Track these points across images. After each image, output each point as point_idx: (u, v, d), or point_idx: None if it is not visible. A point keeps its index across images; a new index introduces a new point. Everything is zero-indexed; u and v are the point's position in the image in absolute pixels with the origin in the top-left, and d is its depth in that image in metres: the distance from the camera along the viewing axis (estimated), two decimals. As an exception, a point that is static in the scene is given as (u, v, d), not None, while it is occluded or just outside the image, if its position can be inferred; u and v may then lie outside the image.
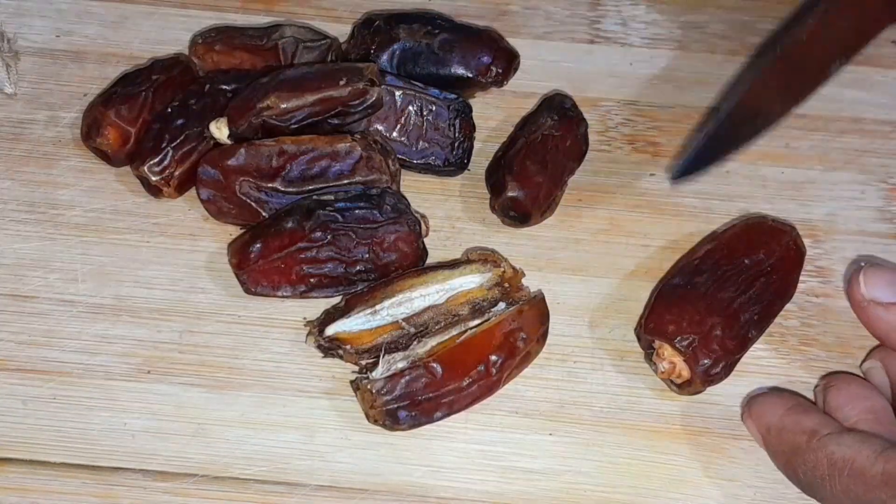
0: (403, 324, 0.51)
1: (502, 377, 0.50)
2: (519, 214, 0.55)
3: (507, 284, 0.52)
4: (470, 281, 0.52)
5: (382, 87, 0.55)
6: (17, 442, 0.49)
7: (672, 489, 0.50)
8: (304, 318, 0.52)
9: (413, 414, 0.49)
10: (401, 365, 0.49)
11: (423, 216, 0.54)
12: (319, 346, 0.51)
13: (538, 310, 0.52)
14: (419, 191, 0.57)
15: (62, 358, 0.52)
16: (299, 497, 0.49)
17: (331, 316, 0.51)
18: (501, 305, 0.52)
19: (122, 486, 0.49)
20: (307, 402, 0.51)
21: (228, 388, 0.51)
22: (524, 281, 0.53)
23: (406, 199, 0.54)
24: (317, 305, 0.53)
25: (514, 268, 0.52)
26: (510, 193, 0.55)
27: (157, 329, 0.53)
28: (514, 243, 0.56)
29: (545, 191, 0.55)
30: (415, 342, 0.51)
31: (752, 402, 0.50)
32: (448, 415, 0.49)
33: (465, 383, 0.49)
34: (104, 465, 0.49)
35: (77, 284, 0.54)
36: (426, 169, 0.57)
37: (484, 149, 0.58)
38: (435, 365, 0.49)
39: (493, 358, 0.50)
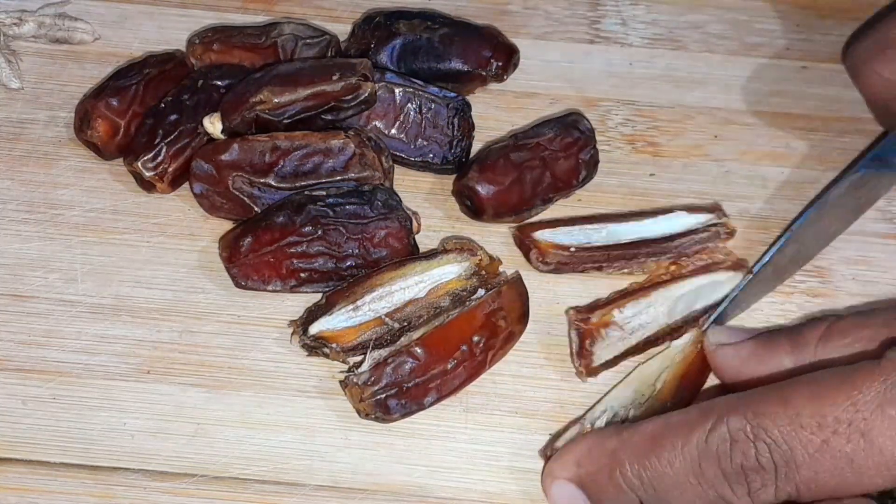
0: (386, 319, 0.51)
1: (487, 358, 0.50)
2: (473, 205, 0.55)
3: (484, 272, 0.52)
4: (448, 272, 0.52)
5: (378, 83, 0.55)
6: (16, 442, 0.49)
7: (672, 489, 0.50)
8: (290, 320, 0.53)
9: (403, 402, 0.49)
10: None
11: (414, 213, 0.54)
12: (304, 346, 0.51)
13: (516, 289, 0.52)
14: (419, 190, 0.57)
15: (62, 358, 0.52)
16: (299, 497, 0.49)
17: (313, 314, 0.51)
18: (481, 292, 0.52)
19: (121, 485, 0.49)
20: (307, 402, 0.51)
21: (228, 388, 0.51)
22: (516, 276, 0.53)
23: (398, 196, 0.54)
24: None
25: (490, 256, 0.52)
26: (468, 182, 0.54)
27: (157, 329, 0.53)
28: (513, 243, 0.56)
29: (509, 194, 0.54)
30: (401, 338, 0.51)
31: (550, 462, 0.48)
32: (438, 399, 0.50)
33: (450, 366, 0.49)
34: (103, 464, 0.49)
35: (77, 284, 0.54)
36: (424, 167, 0.57)
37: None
38: (417, 349, 0.49)
39: (476, 339, 0.50)
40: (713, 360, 0.50)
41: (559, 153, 0.56)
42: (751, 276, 0.52)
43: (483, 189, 0.54)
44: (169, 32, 0.62)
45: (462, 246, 0.53)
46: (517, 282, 0.52)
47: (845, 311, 0.53)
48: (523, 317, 0.52)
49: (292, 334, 0.51)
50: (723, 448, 0.43)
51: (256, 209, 0.54)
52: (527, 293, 0.52)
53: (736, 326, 0.52)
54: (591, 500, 0.46)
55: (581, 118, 0.57)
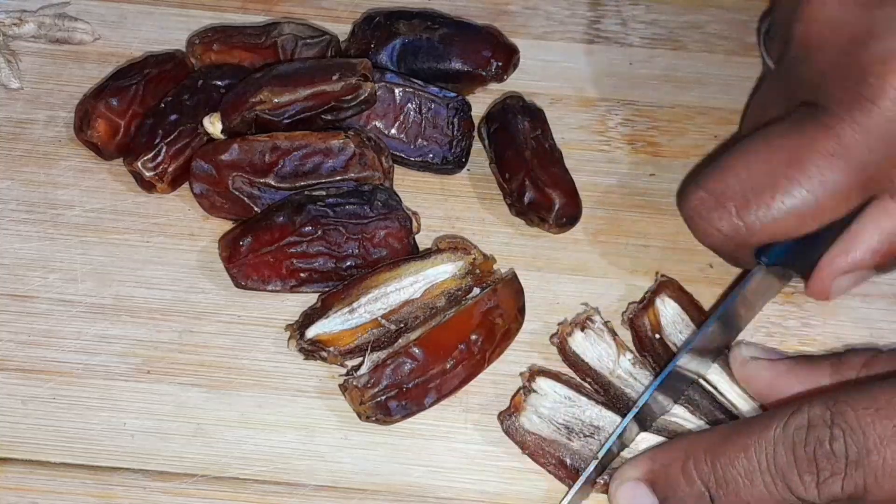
0: (382, 321, 0.51)
1: (485, 356, 0.51)
2: (571, 217, 0.56)
3: (478, 271, 0.52)
4: (443, 271, 0.52)
5: (378, 83, 0.55)
6: (16, 442, 0.49)
7: (672, 489, 0.50)
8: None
9: (403, 403, 0.49)
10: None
11: (414, 213, 0.54)
12: (301, 350, 0.51)
13: (512, 287, 0.52)
14: (419, 190, 0.57)
15: (62, 358, 0.52)
16: (299, 497, 0.49)
17: (309, 318, 0.51)
18: (476, 291, 0.52)
19: (121, 485, 0.49)
20: (307, 402, 0.51)
21: (228, 388, 0.51)
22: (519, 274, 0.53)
23: (398, 196, 0.54)
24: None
25: (484, 254, 0.52)
26: (559, 203, 0.55)
27: (157, 329, 0.53)
28: (513, 243, 0.56)
29: (573, 184, 0.56)
30: (399, 339, 0.51)
31: (621, 467, 0.48)
32: (438, 399, 0.50)
33: (449, 365, 0.50)
34: (104, 464, 0.49)
35: (77, 284, 0.54)
36: (424, 167, 0.57)
37: (483, 148, 0.58)
38: (415, 350, 0.49)
39: (474, 337, 0.50)
40: (744, 371, 0.50)
41: (544, 130, 0.57)
42: (661, 380, 0.50)
43: (569, 200, 0.55)
44: (169, 32, 0.62)
45: (455, 245, 0.53)
46: (512, 279, 0.52)
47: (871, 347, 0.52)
48: (520, 314, 0.52)
49: (289, 339, 0.51)
50: (799, 434, 0.43)
51: (256, 209, 0.54)
52: (522, 290, 0.52)
53: (767, 346, 0.52)
54: (660, 498, 0.46)
55: (514, 98, 0.58)
